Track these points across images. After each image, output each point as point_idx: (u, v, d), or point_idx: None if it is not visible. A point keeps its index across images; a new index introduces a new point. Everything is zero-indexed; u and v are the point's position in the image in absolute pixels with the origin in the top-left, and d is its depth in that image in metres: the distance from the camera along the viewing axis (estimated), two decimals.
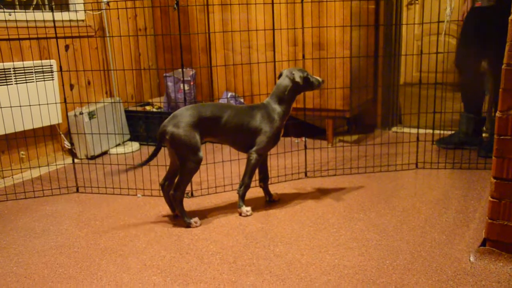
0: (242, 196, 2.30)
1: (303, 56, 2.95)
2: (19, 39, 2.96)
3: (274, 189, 2.61)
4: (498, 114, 1.68)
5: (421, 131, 3.15)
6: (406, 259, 1.82)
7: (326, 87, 3.31)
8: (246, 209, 2.28)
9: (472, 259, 1.79)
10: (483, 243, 1.82)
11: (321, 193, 2.55)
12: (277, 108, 2.29)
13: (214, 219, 2.26)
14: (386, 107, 3.85)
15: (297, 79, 2.25)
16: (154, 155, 2.17)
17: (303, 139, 3.59)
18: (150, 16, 4.04)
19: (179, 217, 2.22)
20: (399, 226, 2.11)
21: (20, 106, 2.83)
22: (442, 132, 3.27)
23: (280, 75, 2.34)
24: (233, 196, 2.52)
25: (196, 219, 2.20)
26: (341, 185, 2.65)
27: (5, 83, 2.81)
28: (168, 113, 3.55)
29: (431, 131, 3.32)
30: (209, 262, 1.86)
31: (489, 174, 1.76)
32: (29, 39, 3.00)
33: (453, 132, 3.24)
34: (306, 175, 2.83)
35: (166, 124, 2.16)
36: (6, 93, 2.79)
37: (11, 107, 2.80)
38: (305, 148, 2.90)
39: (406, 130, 3.76)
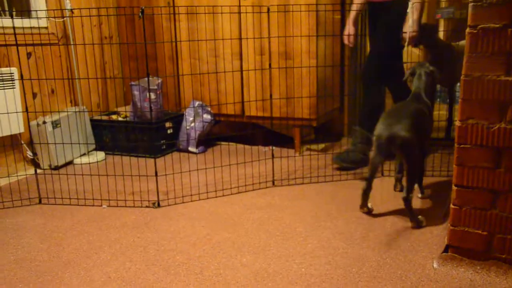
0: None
1: (270, 65, 2.96)
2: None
3: (241, 198, 2.61)
4: (458, 123, 1.72)
5: None
6: (372, 267, 1.84)
7: (292, 96, 3.33)
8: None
9: (435, 265, 1.82)
10: (446, 250, 1.86)
11: (288, 201, 2.56)
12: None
13: (181, 230, 2.23)
14: (353, 116, 3.90)
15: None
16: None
17: (271, 147, 3.60)
18: (115, 24, 3.99)
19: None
20: (365, 234, 2.13)
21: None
22: None
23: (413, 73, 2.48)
24: (200, 206, 2.51)
25: (421, 217, 2.20)
26: (309, 193, 2.67)
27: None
28: (135, 122, 3.51)
29: None
30: (175, 273, 1.83)
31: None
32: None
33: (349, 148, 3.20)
34: (273, 183, 2.83)
35: (391, 128, 2.11)
36: None
37: None
38: (273, 156, 2.91)
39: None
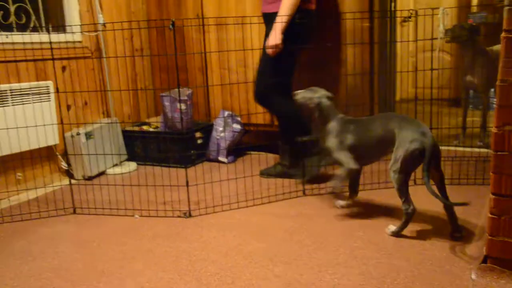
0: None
1: (298, 74, 2.96)
2: (16, 61, 2.96)
3: (272, 207, 2.60)
4: (494, 130, 1.68)
5: None
6: (407, 278, 1.80)
7: None
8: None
9: (473, 276, 1.77)
10: (484, 260, 1.80)
11: (319, 211, 2.53)
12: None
13: (212, 240, 2.24)
14: None
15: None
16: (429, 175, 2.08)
17: None
18: (146, 36, 4.07)
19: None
20: (398, 244, 2.09)
21: (17, 127, 2.83)
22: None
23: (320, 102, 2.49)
24: (231, 216, 2.51)
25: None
26: None
27: (2, 105, 2.81)
28: (165, 133, 3.56)
29: None
30: (207, 283, 1.83)
31: (489, 190, 1.75)
32: (26, 61, 3.01)
33: (277, 163, 3.18)
34: (304, 193, 2.82)
35: (422, 137, 2.06)
36: (3, 115, 2.79)
37: (7, 128, 2.79)
38: (303, 166, 2.89)
39: None
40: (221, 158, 3.58)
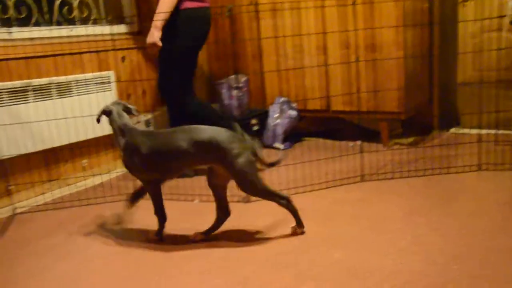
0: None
1: (357, 59, 2.91)
2: (80, 52, 3.09)
3: (329, 193, 2.59)
4: None
5: (483, 131, 3.03)
6: (474, 265, 1.75)
7: (379, 89, 3.25)
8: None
9: None
10: None
11: (379, 196, 2.50)
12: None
13: (271, 224, 2.26)
14: (443, 108, 3.73)
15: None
16: None
17: (357, 142, 3.54)
18: None
19: None
20: (463, 231, 2.03)
21: (83, 116, 2.96)
22: (505, 132, 3.14)
23: (110, 112, 2.25)
24: None
25: None
26: (399, 188, 2.59)
27: (68, 95, 2.94)
28: None
29: (492, 131, 3.19)
30: (267, 267, 1.86)
31: None
32: (89, 52, 3.13)
33: None
34: (362, 178, 2.78)
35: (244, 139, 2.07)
36: (69, 104, 2.92)
37: (74, 117, 2.93)
38: (361, 151, 2.86)
39: (465, 131, 3.63)
40: (277, 145, 3.59)
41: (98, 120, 2.26)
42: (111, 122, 2.23)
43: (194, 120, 2.84)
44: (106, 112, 2.24)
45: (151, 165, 2.11)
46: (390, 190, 2.57)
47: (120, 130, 2.20)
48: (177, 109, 2.94)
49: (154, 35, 2.73)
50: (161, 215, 2.23)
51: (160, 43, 2.75)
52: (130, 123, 2.21)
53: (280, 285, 1.72)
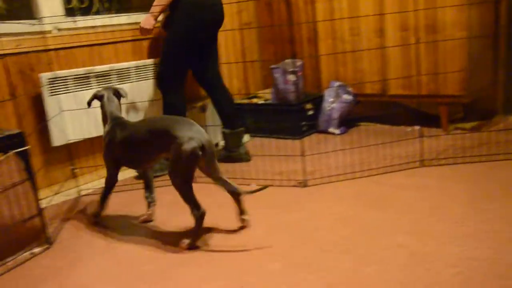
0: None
1: (417, 40, 2.81)
2: (138, 39, 3.16)
3: (388, 178, 2.54)
4: None
5: None
6: None
7: (439, 72, 3.14)
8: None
9: None
10: None
11: (440, 182, 2.43)
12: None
13: (330, 209, 2.25)
14: (508, 91, 3.56)
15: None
16: None
17: (415, 127, 3.44)
18: (254, 10, 4.11)
19: None
20: None
21: (141, 101, 3.04)
22: None
23: (101, 96, 2.31)
24: (347, 186, 2.50)
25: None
26: (462, 174, 2.51)
27: (128, 81, 3.02)
28: (276, 105, 3.60)
29: None
30: (328, 250, 1.85)
31: None
32: (147, 39, 3.20)
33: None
34: (422, 164, 2.71)
35: (198, 135, 2.01)
36: (129, 90, 3.01)
37: (133, 102, 3.01)
38: (421, 135, 2.78)
39: None
40: (332, 130, 3.55)
41: (89, 104, 2.35)
42: (101, 107, 2.31)
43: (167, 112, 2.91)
44: (98, 97, 2.32)
45: (121, 155, 2.20)
46: (451, 176, 2.49)
47: (105, 117, 2.29)
48: (170, 96, 2.93)
49: (149, 22, 2.78)
50: (102, 202, 2.35)
51: (150, 31, 2.82)
52: (116, 110, 2.29)
53: (343, 267, 1.71)
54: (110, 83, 2.94)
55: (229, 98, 3.08)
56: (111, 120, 2.25)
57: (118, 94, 2.36)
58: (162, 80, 2.89)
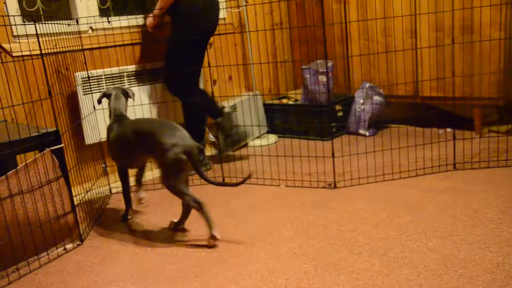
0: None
1: (453, 41, 2.75)
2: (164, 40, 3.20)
3: (419, 181, 2.50)
4: None
5: None
6: None
7: (474, 73, 3.07)
8: None
9: None
10: None
11: (473, 186, 2.37)
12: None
13: (360, 211, 2.22)
14: None
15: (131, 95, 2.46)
16: None
17: (447, 129, 3.38)
18: (285, 10, 4.10)
19: None
20: None
21: (172, 101, 3.07)
22: None
23: (109, 94, 2.41)
24: (377, 188, 2.47)
25: None
26: (496, 178, 2.44)
27: (154, 82, 3.06)
28: (306, 105, 3.59)
29: None
30: (358, 253, 1.83)
31: None
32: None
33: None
34: (454, 167, 2.66)
35: (182, 141, 2.06)
36: (160, 90, 3.04)
37: (157, 102, 3.04)
38: (454, 138, 2.72)
39: None
40: (361, 131, 3.52)
41: (99, 102, 2.47)
42: (108, 104, 2.42)
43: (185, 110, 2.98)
44: (106, 95, 2.43)
45: (114, 152, 2.31)
46: (485, 180, 2.43)
47: (110, 113, 2.39)
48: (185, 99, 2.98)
49: (149, 22, 2.91)
50: (126, 199, 2.41)
51: (150, 29, 2.93)
52: (120, 108, 2.38)
53: (373, 270, 1.69)
54: (142, 83, 2.98)
55: (204, 91, 3.14)
56: (113, 116, 2.36)
57: (126, 94, 2.46)
58: (169, 83, 2.96)
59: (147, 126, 2.11)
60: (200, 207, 2.02)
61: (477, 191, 2.30)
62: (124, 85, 2.91)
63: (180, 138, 2.01)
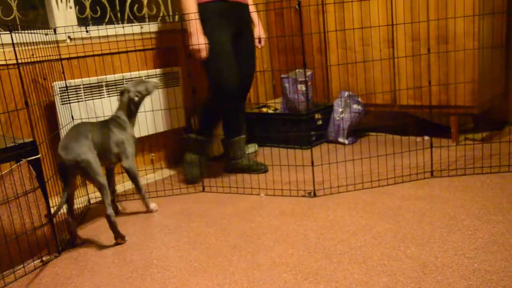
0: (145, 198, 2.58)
1: (429, 50, 2.81)
2: (150, 49, 3.19)
3: (398, 189, 2.53)
4: None
5: None
6: None
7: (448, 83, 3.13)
8: (153, 205, 2.61)
9: None
10: None
11: (450, 193, 2.41)
12: (127, 120, 2.49)
13: (339, 219, 2.24)
14: None
15: (133, 96, 2.50)
16: None
17: (425, 137, 3.43)
18: (264, 20, 4.13)
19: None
20: None
21: (152, 110, 3.06)
22: None
23: (122, 92, 2.53)
24: (356, 196, 2.49)
25: None
26: (472, 185, 2.49)
27: None
28: (285, 114, 3.61)
29: None
30: (338, 261, 1.84)
31: None
32: (158, 48, 3.22)
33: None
34: (432, 174, 2.70)
35: (62, 151, 2.19)
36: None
37: (145, 111, 3.03)
38: (431, 146, 2.77)
39: None
40: (341, 139, 3.55)
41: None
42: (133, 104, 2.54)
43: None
44: (121, 92, 2.55)
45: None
46: (462, 187, 2.48)
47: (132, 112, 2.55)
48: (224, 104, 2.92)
49: (199, 40, 2.70)
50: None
51: (204, 52, 2.72)
52: (118, 109, 2.49)
53: (353, 278, 1.70)
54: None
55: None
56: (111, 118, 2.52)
57: (127, 92, 2.54)
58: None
59: (70, 130, 2.26)
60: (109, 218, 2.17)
61: (454, 199, 2.34)
62: (103, 95, 2.89)
63: (63, 148, 2.15)
